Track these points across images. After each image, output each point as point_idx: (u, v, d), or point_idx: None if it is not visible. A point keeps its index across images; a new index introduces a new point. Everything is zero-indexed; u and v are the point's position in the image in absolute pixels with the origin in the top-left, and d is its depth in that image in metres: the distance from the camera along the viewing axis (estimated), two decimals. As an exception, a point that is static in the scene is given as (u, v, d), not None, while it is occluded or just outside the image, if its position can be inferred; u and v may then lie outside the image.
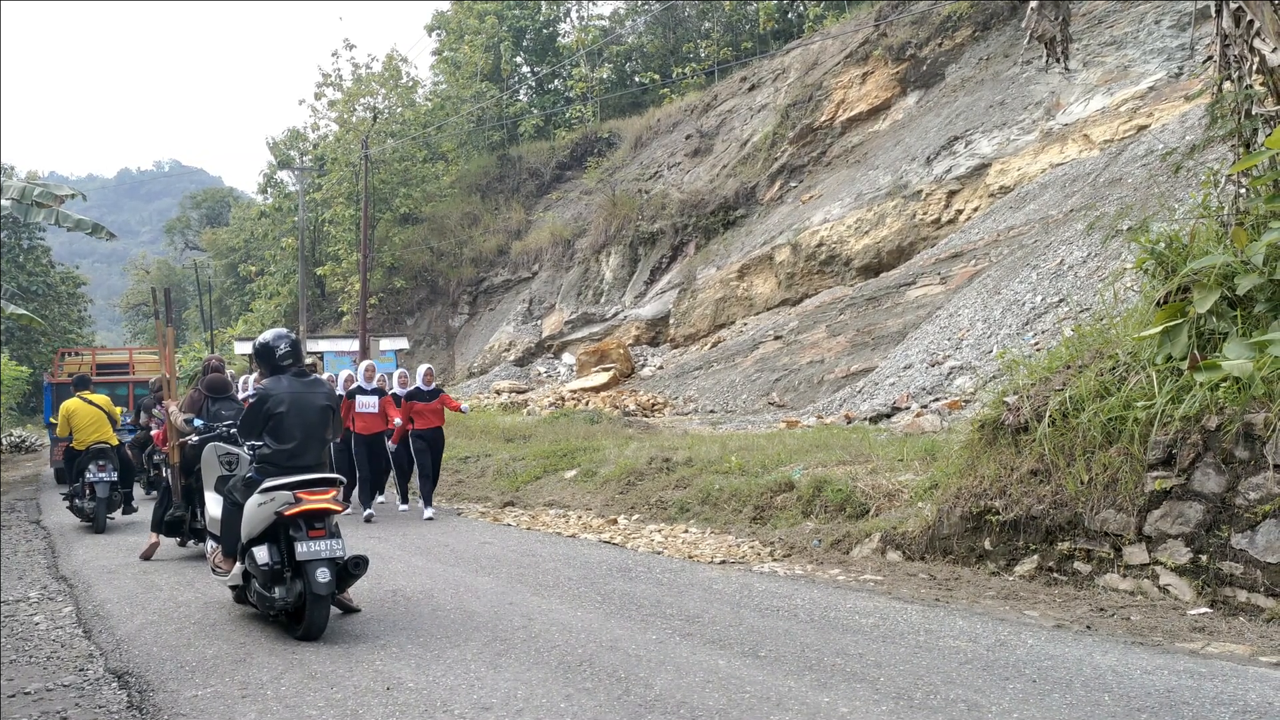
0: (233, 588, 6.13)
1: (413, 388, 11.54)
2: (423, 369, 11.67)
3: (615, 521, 10.11)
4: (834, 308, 20.27)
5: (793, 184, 26.01)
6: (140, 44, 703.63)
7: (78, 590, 7.27)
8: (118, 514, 11.48)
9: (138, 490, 12.65)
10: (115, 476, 10.98)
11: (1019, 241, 16.55)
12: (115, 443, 11.31)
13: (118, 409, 11.99)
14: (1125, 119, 17.77)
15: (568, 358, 28.73)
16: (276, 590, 5.56)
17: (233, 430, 6.73)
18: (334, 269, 40.29)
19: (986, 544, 6.87)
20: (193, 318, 65.96)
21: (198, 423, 7.82)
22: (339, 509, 5.74)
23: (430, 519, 10.85)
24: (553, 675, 4.66)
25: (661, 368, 24.53)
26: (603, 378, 23.53)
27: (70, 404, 11.25)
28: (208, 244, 63.50)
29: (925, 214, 20.78)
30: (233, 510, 5.93)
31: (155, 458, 11.59)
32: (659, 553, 8.33)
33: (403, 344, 33.86)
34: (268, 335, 6.16)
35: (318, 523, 5.58)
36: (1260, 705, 4.02)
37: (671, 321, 26.45)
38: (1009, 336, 13.52)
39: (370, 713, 4.20)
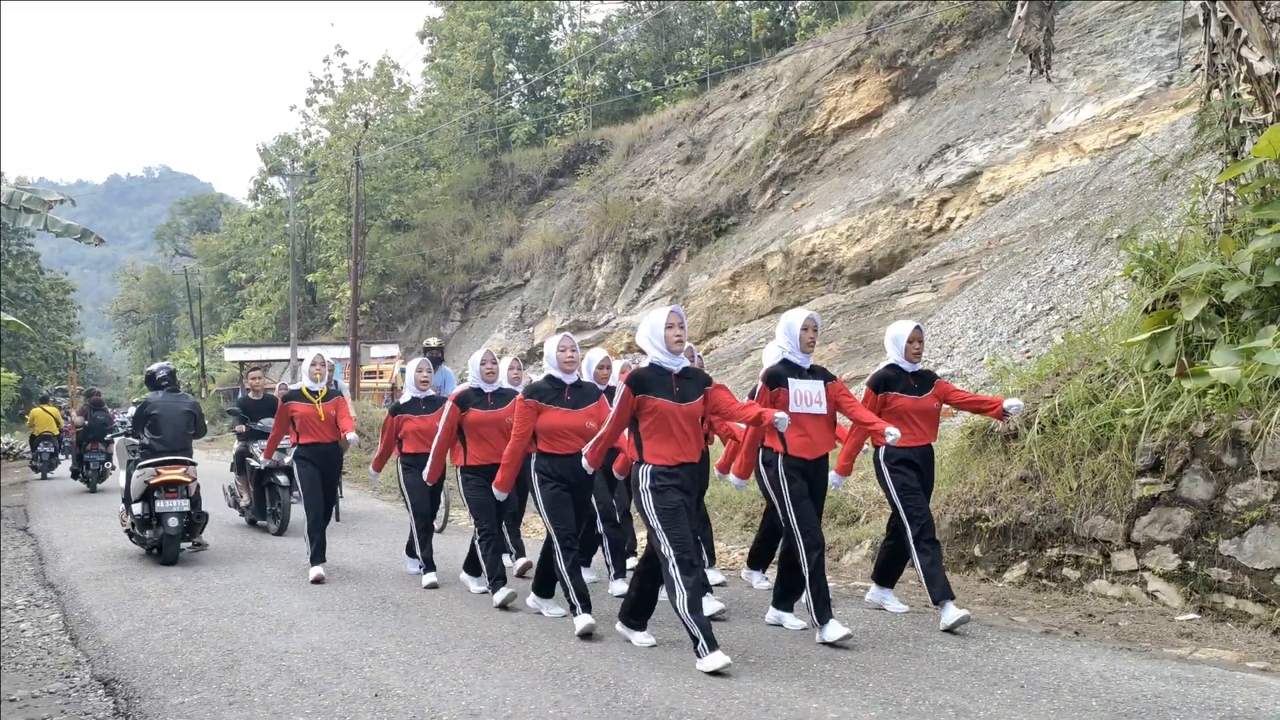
0: (126, 532, 8.80)
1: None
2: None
3: (606, 528, 10.08)
4: (825, 315, 20.28)
5: (785, 192, 26.06)
6: (130, 48, 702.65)
7: (64, 597, 7.23)
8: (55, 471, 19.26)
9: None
10: (53, 449, 19.33)
11: (1010, 249, 16.61)
12: (56, 432, 19.34)
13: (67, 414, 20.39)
14: (1115, 127, 17.85)
15: (559, 365, 28.67)
16: (147, 533, 8.35)
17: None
18: (325, 276, 40.21)
19: (976, 550, 6.88)
20: (183, 324, 65.80)
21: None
22: (189, 480, 8.29)
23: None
24: (541, 682, 4.65)
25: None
26: (594, 385, 23.51)
27: (36, 410, 19.57)
28: (198, 250, 63.28)
29: (917, 222, 20.83)
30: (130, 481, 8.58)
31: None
32: (649, 559, 8.31)
33: (394, 351, 33.80)
34: (154, 366, 9.28)
35: (173, 488, 8.22)
36: (1247, 711, 4.03)
37: (663, 328, 26.48)
38: (999, 344, 13.54)
39: None
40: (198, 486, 8.52)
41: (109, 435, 15.61)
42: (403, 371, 27.62)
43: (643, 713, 4.16)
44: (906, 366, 5.90)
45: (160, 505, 8.14)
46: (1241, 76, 6.90)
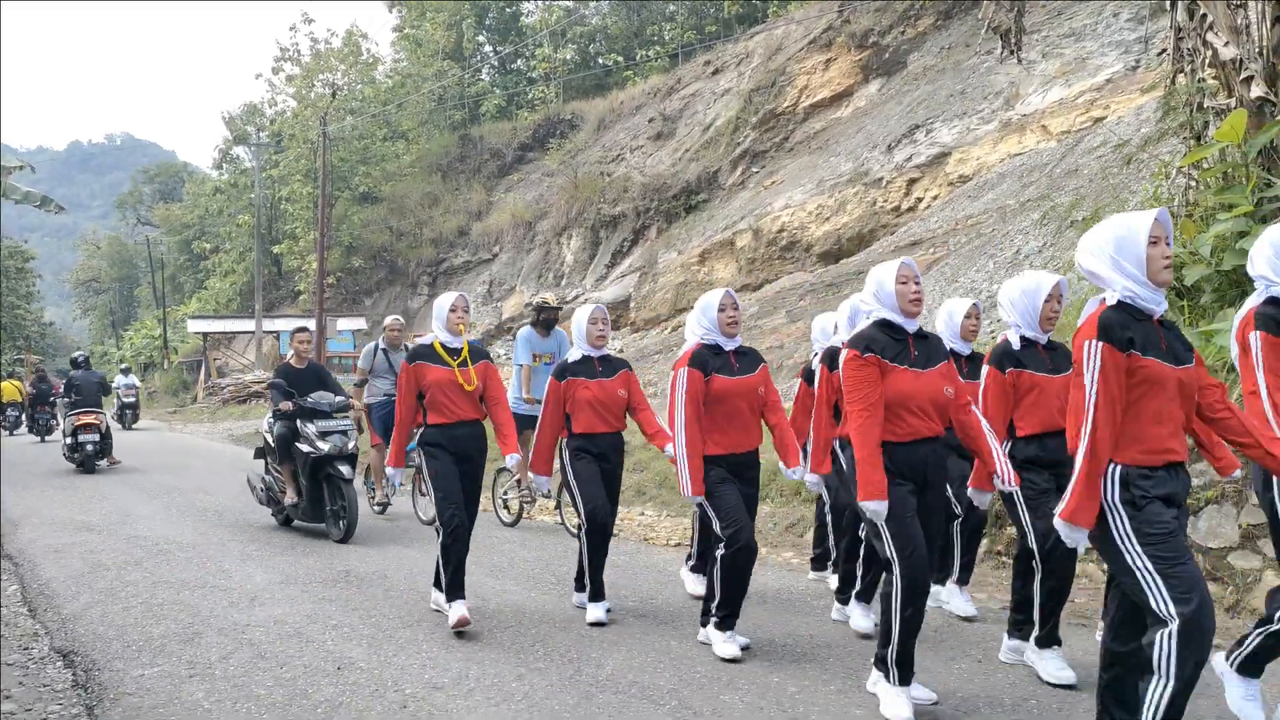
0: (64, 456, 14.11)
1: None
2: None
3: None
4: (794, 293, 20.36)
5: (755, 169, 26.05)
6: (93, 11, 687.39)
7: (23, 569, 7.13)
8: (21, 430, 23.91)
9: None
10: (18, 413, 23.98)
11: (977, 230, 16.73)
12: (20, 400, 23.77)
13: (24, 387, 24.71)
14: (1082, 110, 17.98)
15: (528, 340, 28.53)
16: (75, 455, 13.72)
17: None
18: (291, 247, 39.75)
19: (938, 528, 6.95)
20: (145, 295, 64.81)
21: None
22: (98, 422, 13.80)
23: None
24: (505, 655, 4.66)
25: (621, 351, 24.52)
26: (562, 360, 23.49)
27: (4, 384, 24.57)
28: (161, 220, 62.22)
29: (886, 201, 20.92)
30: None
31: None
32: (614, 535, 8.34)
33: (360, 324, 33.53)
34: (75, 354, 15.10)
35: (88, 427, 13.66)
36: (1200, 689, 4.11)
37: (632, 305, 26.44)
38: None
39: (320, 692, 4.18)
40: (107, 426, 14.22)
41: (53, 399, 21.44)
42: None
43: (605, 686, 4.18)
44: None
45: (80, 438, 13.71)
46: (1206, 61, 6.97)
